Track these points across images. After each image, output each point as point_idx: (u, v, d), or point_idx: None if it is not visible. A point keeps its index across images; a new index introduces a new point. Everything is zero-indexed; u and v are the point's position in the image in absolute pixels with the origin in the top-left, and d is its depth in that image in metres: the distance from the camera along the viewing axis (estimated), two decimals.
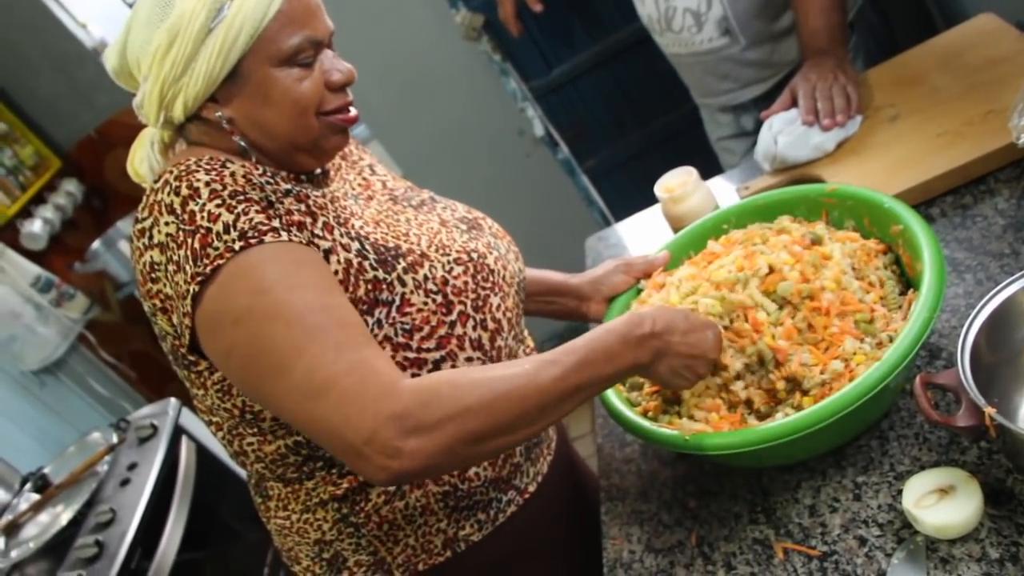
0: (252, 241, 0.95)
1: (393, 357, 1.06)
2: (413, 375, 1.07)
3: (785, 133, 1.54)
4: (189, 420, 2.58)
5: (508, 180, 3.19)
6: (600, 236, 1.99)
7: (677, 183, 1.57)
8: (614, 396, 1.17)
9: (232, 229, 0.95)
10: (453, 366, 1.09)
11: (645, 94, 2.95)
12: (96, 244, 3.58)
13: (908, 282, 1.15)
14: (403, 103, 3.09)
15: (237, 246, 0.94)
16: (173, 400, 2.61)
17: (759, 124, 1.64)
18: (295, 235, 0.99)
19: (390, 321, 1.05)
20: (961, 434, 0.90)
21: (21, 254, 3.33)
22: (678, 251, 1.40)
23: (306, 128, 1.06)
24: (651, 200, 1.65)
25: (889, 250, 1.19)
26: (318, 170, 1.16)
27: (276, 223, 0.98)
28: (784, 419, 0.98)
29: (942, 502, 0.90)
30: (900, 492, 0.96)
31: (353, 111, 1.10)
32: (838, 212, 1.27)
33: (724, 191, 1.72)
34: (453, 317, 1.09)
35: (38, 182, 3.48)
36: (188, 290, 0.96)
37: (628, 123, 3.04)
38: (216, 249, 0.94)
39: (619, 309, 1.37)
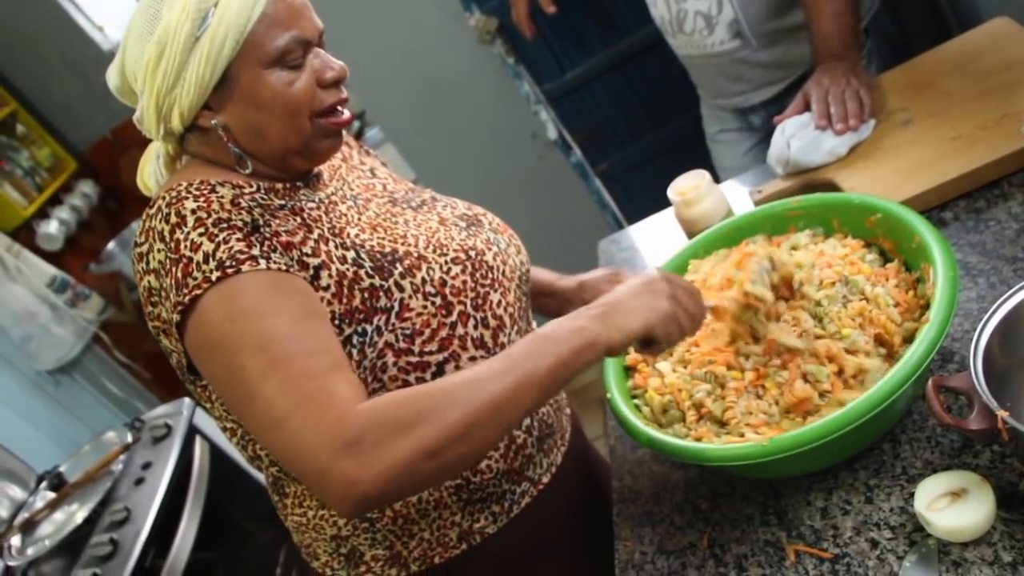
0: (229, 271, 0.97)
1: (396, 362, 1.07)
2: (417, 379, 1.09)
3: (798, 137, 1.55)
4: (203, 420, 2.60)
5: (521, 183, 3.20)
6: (613, 239, 2.00)
7: (690, 186, 1.57)
8: (622, 404, 1.17)
9: (211, 259, 0.97)
10: (457, 367, 1.10)
11: (658, 97, 2.95)
12: (111, 245, 3.61)
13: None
14: (417, 106, 3.10)
15: (214, 276, 0.96)
16: (187, 400, 2.63)
17: (764, 122, 1.63)
18: (275, 260, 1.00)
19: (390, 327, 1.07)
20: (973, 437, 0.90)
21: (37, 255, 3.36)
22: (688, 255, 1.40)
23: (298, 130, 1.07)
24: (665, 203, 1.65)
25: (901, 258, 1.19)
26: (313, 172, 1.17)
27: (256, 250, 0.99)
28: (794, 432, 0.97)
29: (954, 505, 0.90)
30: (912, 495, 0.96)
31: (347, 113, 1.11)
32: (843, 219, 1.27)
33: (737, 194, 1.72)
34: (453, 318, 1.10)
35: (54, 183, 3.52)
36: (172, 318, 0.99)
37: (641, 126, 3.04)
38: (195, 279, 0.97)
39: None
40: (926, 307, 1.07)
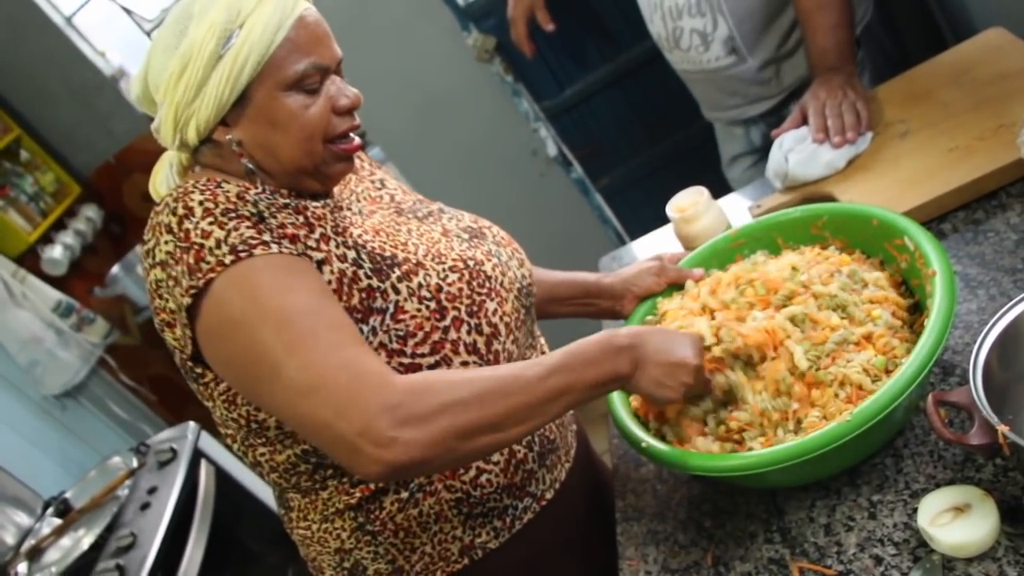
0: (242, 255, 0.99)
1: (388, 363, 1.08)
2: None
3: (796, 151, 1.55)
4: (208, 444, 2.60)
5: (522, 200, 3.20)
6: (614, 255, 2.00)
7: (688, 203, 1.57)
8: (627, 418, 1.17)
9: (223, 244, 1.00)
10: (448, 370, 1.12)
11: (657, 112, 2.95)
12: (115, 269, 3.62)
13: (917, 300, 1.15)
14: (417, 125, 3.11)
15: (228, 260, 0.99)
16: (192, 424, 2.63)
17: (766, 139, 1.64)
18: (286, 247, 1.03)
19: (384, 328, 1.08)
20: (975, 452, 0.90)
21: (42, 280, 3.37)
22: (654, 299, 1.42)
23: (310, 153, 1.10)
24: (666, 218, 1.65)
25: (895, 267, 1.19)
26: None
27: (267, 236, 1.02)
28: (793, 441, 0.98)
29: (957, 520, 0.90)
30: (915, 510, 0.95)
31: (357, 140, 1.14)
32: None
33: (737, 209, 1.72)
34: (447, 322, 1.12)
35: (58, 208, 3.54)
36: (183, 302, 1.01)
37: (641, 141, 3.04)
38: (208, 263, 0.99)
39: (646, 310, 1.40)
40: (902, 283, 1.17)
